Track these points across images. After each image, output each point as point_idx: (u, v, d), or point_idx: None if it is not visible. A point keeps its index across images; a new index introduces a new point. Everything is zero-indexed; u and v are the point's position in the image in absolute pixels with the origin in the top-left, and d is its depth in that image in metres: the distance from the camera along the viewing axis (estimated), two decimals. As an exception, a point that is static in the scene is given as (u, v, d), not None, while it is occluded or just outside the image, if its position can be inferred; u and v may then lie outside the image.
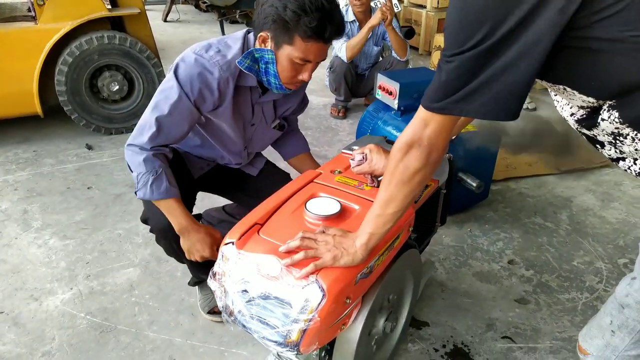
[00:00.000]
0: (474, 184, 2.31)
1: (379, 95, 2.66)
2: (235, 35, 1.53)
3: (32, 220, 2.46)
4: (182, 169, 1.70)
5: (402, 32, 3.70)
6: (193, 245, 1.53)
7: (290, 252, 1.16)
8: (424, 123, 0.99)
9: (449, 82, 0.89)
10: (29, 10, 3.39)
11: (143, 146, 1.45)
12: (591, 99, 0.90)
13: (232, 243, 1.22)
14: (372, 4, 3.64)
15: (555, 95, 1.04)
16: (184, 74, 1.42)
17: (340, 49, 3.62)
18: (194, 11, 8.41)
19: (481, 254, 2.27)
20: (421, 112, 0.99)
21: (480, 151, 2.45)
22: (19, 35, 3.04)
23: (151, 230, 1.62)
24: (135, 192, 1.48)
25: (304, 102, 1.86)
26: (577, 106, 0.97)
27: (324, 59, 1.47)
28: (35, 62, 3.02)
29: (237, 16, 6.83)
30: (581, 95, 0.90)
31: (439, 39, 4.44)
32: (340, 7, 3.81)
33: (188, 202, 1.65)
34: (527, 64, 0.81)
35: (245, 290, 1.18)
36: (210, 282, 1.25)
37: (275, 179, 1.85)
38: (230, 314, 1.21)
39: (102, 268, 2.11)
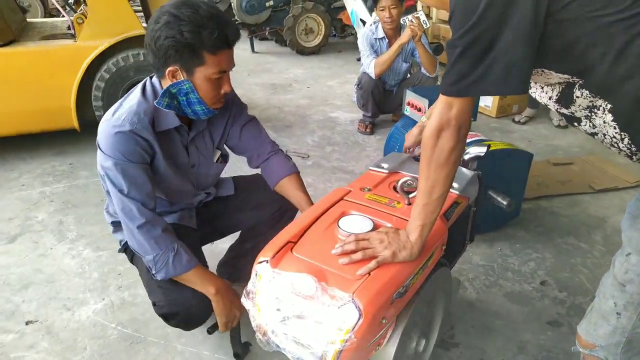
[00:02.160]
0: (505, 202, 2.27)
1: (408, 111, 2.67)
2: (136, 88, 1.51)
3: (67, 232, 2.52)
4: (181, 230, 1.69)
5: (430, 48, 3.71)
6: (231, 306, 1.54)
7: (345, 254, 1.20)
8: (448, 106, 1.08)
9: (461, 68, 0.99)
10: (69, 28, 3.52)
11: (145, 221, 1.45)
12: (566, 76, 1.02)
13: (267, 261, 1.23)
14: (401, 21, 3.66)
15: (534, 85, 1.15)
16: (107, 146, 1.41)
17: (369, 65, 3.64)
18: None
19: (512, 274, 2.23)
20: (442, 97, 1.08)
21: (512, 169, 2.42)
22: (59, 52, 3.15)
23: (176, 321, 1.58)
24: (154, 275, 1.48)
25: (236, 106, 1.74)
26: (553, 84, 1.08)
27: (234, 65, 1.48)
28: (73, 78, 3.13)
29: (266, 33, 6.94)
30: (557, 74, 1.02)
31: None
32: (369, 24, 3.82)
33: (202, 263, 1.66)
34: (521, 42, 0.93)
35: (279, 309, 1.18)
36: (244, 300, 1.25)
37: (251, 180, 1.90)
38: (264, 334, 1.21)
39: (133, 279, 2.14)
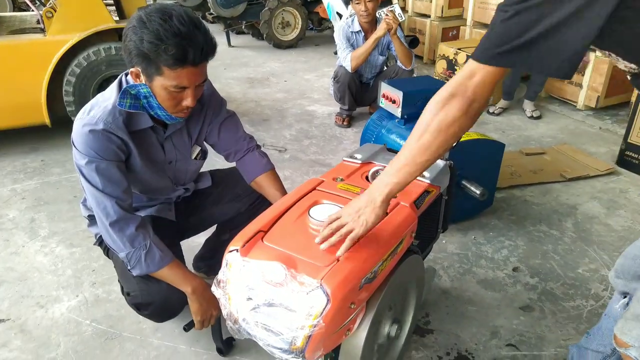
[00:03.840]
0: (478, 192, 2.31)
1: (383, 103, 2.68)
2: (113, 84, 1.50)
3: (39, 229, 2.48)
4: (158, 222, 1.69)
5: (406, 41, 3.73)
6: (207, 305, 1.54)
7: (324, 241, 1.20)
8: (470, 74, 1.03)
9: (503, 33, 0.93)
10: (38, 22, 3.45)
11: (118, 219, 1.44)
12: (633, 65, 0.96)
13: (237, 250, 1.23)
14: (377, 14, 3.67)
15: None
16: (81, 144, 1.40)
17: (345, 58, 3.65)
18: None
19: (485, 262, 2.27)
20: (469, 64, 1.04)
21: (484, 159, 2.45)
22: (28, 47, 3.09)
23: (149, 311, 1.59)
24: (130, 270, 1.49)
25: (214, 103, 1.70)
26: (621, 69, 1.03)
27: (203, 81, 1.43)
28: (43, 73, 3.06)
29: (242, 27, 6.89)
30: (624, 62, 0.96)
31: (443, 48, 4.47)
32: (345, 17, 3.81)
33: (178, 255, 1.67)
34: (582, 24, 0.84)
35: (250, 298, 1.19)
36: (215, 289, 1.25)
37: (228, 173, 1.91)
38: (235, 321, 1.21)
39: (108, 276, 2.12)
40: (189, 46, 1.29)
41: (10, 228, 2.49)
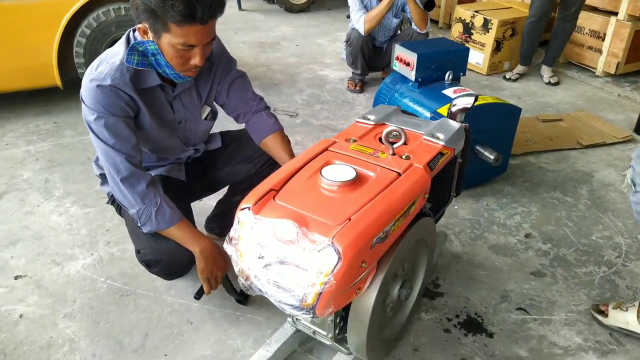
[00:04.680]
0: (492, 157, 2.28)
1: (396, 66, 2.63)
2: (121, 40, 1.47)
3: (53, 189, 2.51)
4: (168, 182, 1.69)
5: (422, 2, 3.63)
6: (213, 265, 1.55)
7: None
8: None
9: None
10: (48, -18, 3.39)
11: (129, 175, 1.45)
12: None
13: (249, 208, 1.23)
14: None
15: None
16: (89, 99, 1.40)
17: (358, 21, 3.57)
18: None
19: (497, 228, 2.26)
20: None
21: (500, 124, 2.41)
22: (38, 7, 3.04)
23: (158, 268, 1.62)
24: (140, 227, 1.49)
25: (223, 62, 1.67)
26: None
27: (212, 39, 1.40)
28: (54, 35, 3.03)
29: (254, -11, 6.75)
30: None
31: (460, 11, 4.34)
32: None
33: (186, 216, 1.67)
34: None
35: (262, 255, 1.19)
36: (226, 246, 1.26)
37: (239, 134, 1.89)
38: (247, 278, 1.22)
39: (121, 235, 2.15)
40: (197, 2, 1.26)
41: (25, 188, 2.51)
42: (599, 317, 1.72)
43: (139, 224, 1.50)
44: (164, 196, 1.51)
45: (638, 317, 1.63)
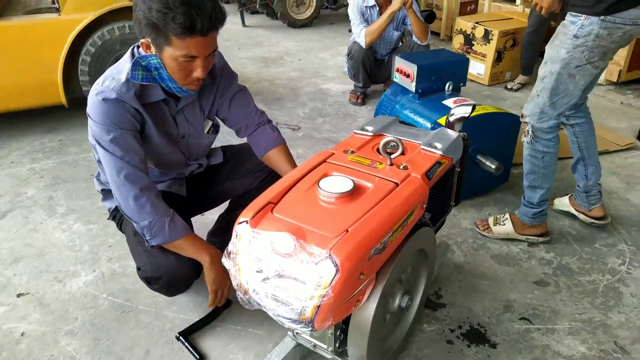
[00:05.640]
0: (493, 166, 2.28)
1: (397, 78, 2.64)
2: (125, 55, 1.50)
3: (57, 206, 2.53)
4: (169, 197, 1.69)
5: (422, 15, 3.65)
6: (223, 276, 1.55)
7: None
8: None
9: None
10: (53, 2, 3.45)
11: (142, 187, 1.45)
12: None
13: (246, 222, 1.23)
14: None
15: None
16: (97, 114, 1.42)
17: (359, 34, 3.59)
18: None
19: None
20: None
21: (500, 133, 2.41)
22: (43, 26, 3.10)
23: (158, 285, 1.61)
24: (148, 241, 1.48)
25: (225, 76, 1.69)
26: None
27: (214, 51, 1.42)
28: (59, 53, 3.08)
29: (257, 6, 6.83)
30: None
31: (461, 22, 4.36)
32: None
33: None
34: None
35: (260, 269, 1.19)
36: (225, 260, 1.26)
37: (240, 149, 1.89)
38: (245, 292, 1.22)
39: (124, 251, 2.15)
40: (197, 14, 1.29)
41: (29, 206, 2.54)
42: (485, 233, 2.22)
43: (148, 237, 1.48)
44: (172, 209, 1.52)
45: (514, 227, 2.18)
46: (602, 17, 1.71)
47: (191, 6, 1.28)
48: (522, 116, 2.08)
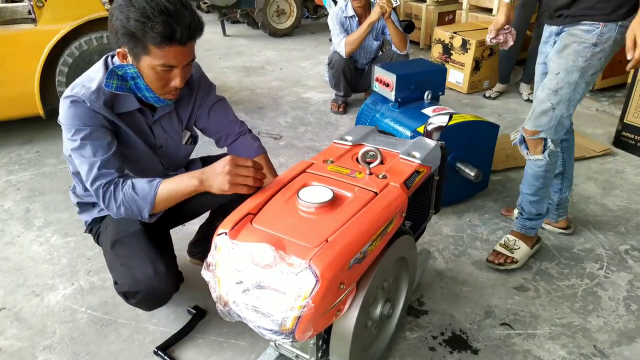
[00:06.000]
0: (472, 174, 2.31)
1: (377, 87, 2.67)
2: (97, 64, 1.48)
3: (34, 219, 2.48)
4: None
5: (401, 25, 3.70)
6: (223, 177, 1.33)
7: None
8: None
9: None
10: (29, 12, 3.41)
11: (121, 175, 1.43)
12: None
13: (225, 233, 1.23)
14: (370, -2, 3.64)
15: None
16: (67, 117, 1.40)
17: (339, 44, 3.62)
18: (195, 12, 8.41)
19: (480, 243, 2.27)
20: None
21: (479, 141, 2.44)
22: (20, 37, 3.06)
23: (136, 300, 1.55)
24: (145, 218, 1.43)
25: (203, 86, 1.68)
26: None
27: (192, 60, 1.42)
28: (36, 64, 3.04)
29: (238, 16, 6.84)
30: None
31: (439, 32, 4.43)
32: (340, 3, 3.70)
33: (165, 244, 1.67)
34: None
35: (240, 280, 1.18)
36: (204, 272, 1.25)
37: (219, 158, 1.82)
38: (225, 304, 1.21)
39: (102, 264, 2.10)
40: (176, 24, 1.28)
41: (6, 219, 2.49)
42: (510, 267, 2.08)
43: (140, 217, 1.42)
44: (130, 180, 1.44)
45: (527, 243, 2.13)
46: (619, 23, 1.70)
47: (170, 15, 1.27)
48: (529, 132, 1.95)
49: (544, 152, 1.95)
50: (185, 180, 1.40)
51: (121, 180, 1.43)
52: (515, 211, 2.20)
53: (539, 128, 1.91)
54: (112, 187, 1.41)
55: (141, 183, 1.42)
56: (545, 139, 1.92)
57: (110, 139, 1.45)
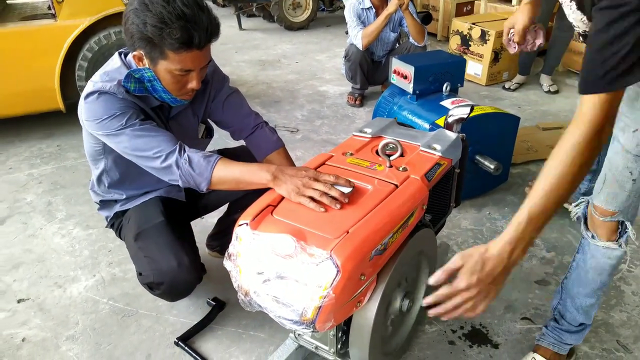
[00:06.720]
0: (492, 166, 2.28)
1: (394, 79, 2.65)
2: (113, 62, 1.46)
3: (56, 212, 2.52)
4: (169, 202, 1.68)
5: (419, 17, 3.66)
6: (298, 180, 1.29)
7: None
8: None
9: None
10: (49, 8, 3.46)
11: (178, 147, 1.40)
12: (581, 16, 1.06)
13: (247, 224, 1.23)
14: (387, -10, 3.61)
15: None
16: (97, 110, 1.37)
17: (356, 36, 3.60)
18: (211, 7, 8.43)
19: (500, 237, 2.24)
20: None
21: (499, 133, 2.41)
22: (40, 32, 3.10)
23: (160, 290, 1.55)
24: (203, 190, 1.40)
25: (217, 80, 1.67)
26: None
27: (208, 62, 1.42)
28: (56, 59, 3.08)
29: (253, 9, 6.84)
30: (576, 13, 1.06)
31: (457, 24, 4.37)
32: None
33: (187, 236, 1.67)
34: None
35: (261, 271, 1.19)
36: (226, 262, 1.26)
37: (237, 152, 1.83)
38: (246, 294, 1.22)
39: (124, 255, 2.15)
40: (193, 29, 1.27)
41: (28, 211, 2.53)
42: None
43: (198, 188, 1.39)
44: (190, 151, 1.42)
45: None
46: None
47: (187, 21, 1.26)
48: (601, 213, 1.35)
49: (619, 238, 1.37)
50: (257, 172, 1.34)
51: (178, 153, 1.39)
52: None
53: (615, 208, 1.32)
54: (172, 160, 1.38)
55: (198, 157, 1.38)
56: (622, 222, 1.35)
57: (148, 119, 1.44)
